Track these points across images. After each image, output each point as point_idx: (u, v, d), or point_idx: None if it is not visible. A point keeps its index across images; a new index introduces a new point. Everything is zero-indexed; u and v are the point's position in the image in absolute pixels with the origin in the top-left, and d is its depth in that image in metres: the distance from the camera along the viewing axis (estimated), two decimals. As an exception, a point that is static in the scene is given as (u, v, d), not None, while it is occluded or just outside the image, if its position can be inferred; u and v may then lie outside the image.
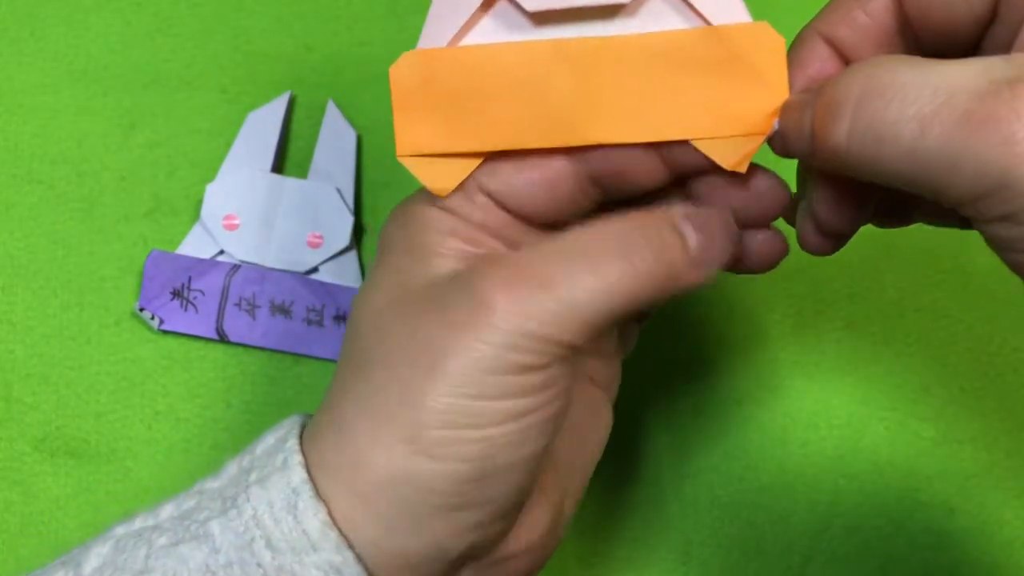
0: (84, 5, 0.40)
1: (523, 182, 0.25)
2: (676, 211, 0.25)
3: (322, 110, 0.39)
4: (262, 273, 0.37)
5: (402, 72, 0.25)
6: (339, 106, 0.39)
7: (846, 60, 0.25)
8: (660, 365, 0.38)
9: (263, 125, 0.39)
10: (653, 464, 0.37)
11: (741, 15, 0.24)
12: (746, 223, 0.26)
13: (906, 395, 0.37)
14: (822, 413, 0.37)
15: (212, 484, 0.24)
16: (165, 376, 0.37)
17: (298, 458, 0.23)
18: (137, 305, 0.37)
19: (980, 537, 0.36)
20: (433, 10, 0.25)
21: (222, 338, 0.37)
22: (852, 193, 0.25)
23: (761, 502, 0.36)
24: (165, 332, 0.37)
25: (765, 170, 0.25)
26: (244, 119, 0.39)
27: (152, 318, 0.37)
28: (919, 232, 0.30)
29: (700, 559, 0.36)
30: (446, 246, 0.25)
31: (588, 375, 0.28)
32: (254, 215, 0.37)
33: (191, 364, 0.37)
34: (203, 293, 0.37)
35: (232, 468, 0.25)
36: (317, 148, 0.39)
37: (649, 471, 0.37)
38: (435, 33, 0.25)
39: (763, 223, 0.26)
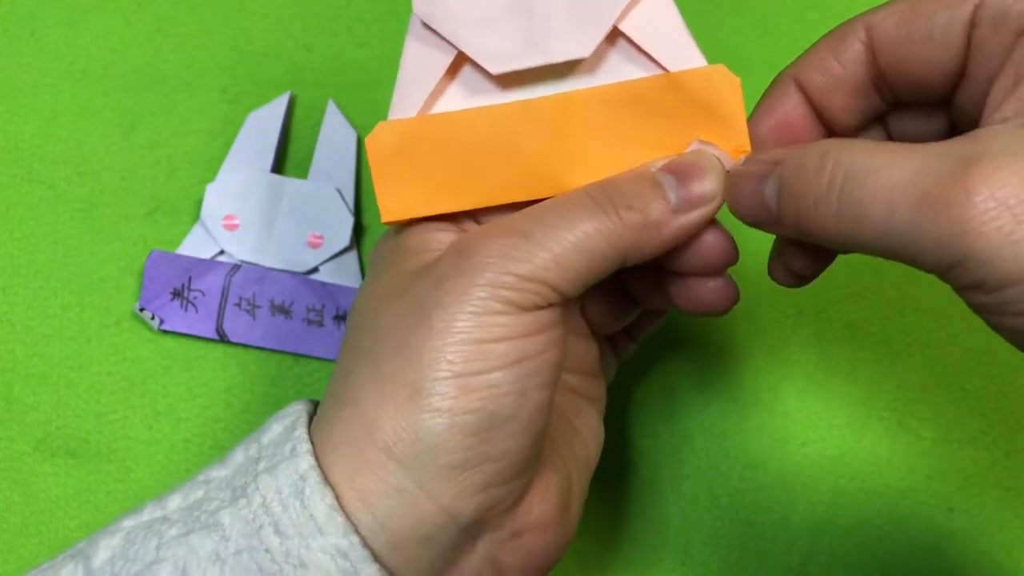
0: (84, 5, 0.40)
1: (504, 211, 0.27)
2: (656, 163, 0.25)
3: (322, 110, 0.39)
4: (262, 273, 0.37)
5: (378, 142, 0.26)
6: (339, 106, 0.39)
7: (815, 106, 0.26)
8: (660, 365, 0.38)
9: (263, 125, 0.39)
10: (653, 464, 0.37)
11: (697, 60, 0.25)
12: (699, 272, 0.27)
13: (905, 395, 0.37)
14: (822, 413, 0.37)
15: (219, 473, 0.25)
16: (165, 376, 0.37)
17: (306, 446, 0.24)
18: (137, 305, 0.37)
19: (979, 537, 0.36)
20: (400, 80, 0.26)
21: (222, 338, 0.37)
22: (820, 249, 0.27)
23: (761, 501, 0.36)
24: (165, 332, 0.37)
25: (715, 224, 0.26)
26: (244, 119, 0.39)
27: (152, 318, 0.37)
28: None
29: (700, 558, 0.36)
30: (439, 241, 0.26)
31: (571, 388, 0.29)
32: (254, 215, 0.38)
33: (191, 364, 0.37)
34: (203, 293, 0.37)
35: (239, 456, 0.25)
36: (317, 148, 0.39)
37: (649, 471, 0.37)
38: (404, 103, 0.26)
39: (715, 272, 0.27)
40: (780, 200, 0.23)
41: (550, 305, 0.24)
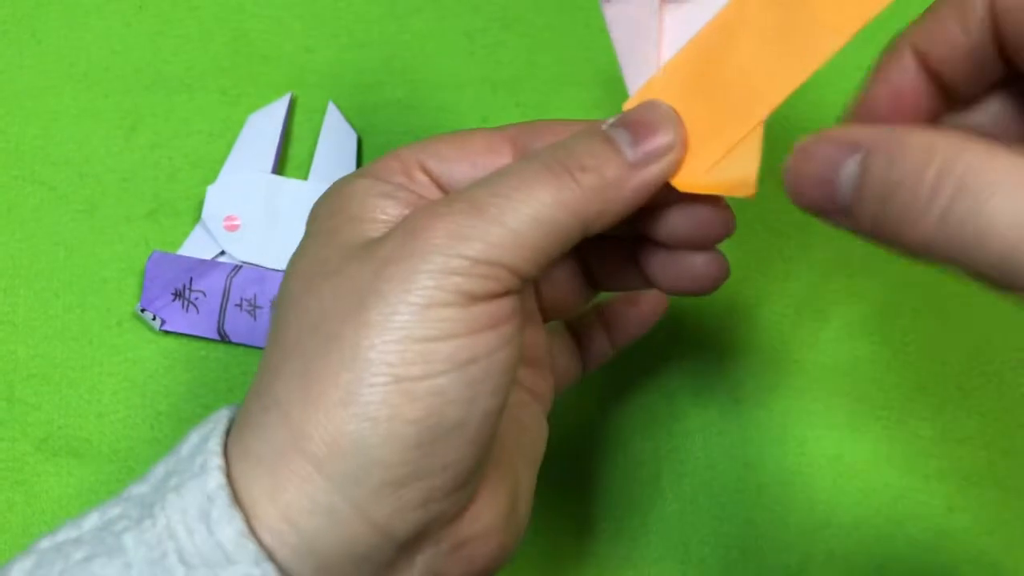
0: (85, 7, 0.40)
1: (465, 169, 0.24)
2: (607, 120, 0.23)
3: (322, 111, 0.39)
4: (263, 274, 0.37)
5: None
6: (339, 107, 0.39)
7: (933, 76, 0.23)
8: (659, 364, 0.38)
9: (264, 126, 0.39)
10: (653, 464, 0.37)
11: None
12: (691, 243, 0.25)
13: (904, 394, 0.37)
14: (820, 412, 0.37)
15: (139, 489, 0.22)
16: (167, 376, 0.37)
17: (217, 460, 0.21)
18: (139, 306, 0.37)
19: (979, 536, 0.36)
20: (623, 62, 0.25)
21: (223, 339, 0.37)
22: None
23: (760, 501, 0.36)
24: (167, 333, 0.37)
25: (714, 196, 0.24)
26: (245, 120, 0.39)
27: (154, 319, 0.37)
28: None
29: (699, 558, 0.36)
30: (384, 211, 0.23)
31: (518, 380, 0.27)
32: (255, 216, 0.38)
33: (193, 365, 0.37)
34: (204, 294, 0.37)
35: (159, 471, 0.22)
36: (317, 149, 0.39)
37: (649, 471, 0.37)
38: (638, 75, 0.25)
39: (708, 244, 0.25)
40: (860, 193, 0.19)
41: (507, 292, 0.21)
